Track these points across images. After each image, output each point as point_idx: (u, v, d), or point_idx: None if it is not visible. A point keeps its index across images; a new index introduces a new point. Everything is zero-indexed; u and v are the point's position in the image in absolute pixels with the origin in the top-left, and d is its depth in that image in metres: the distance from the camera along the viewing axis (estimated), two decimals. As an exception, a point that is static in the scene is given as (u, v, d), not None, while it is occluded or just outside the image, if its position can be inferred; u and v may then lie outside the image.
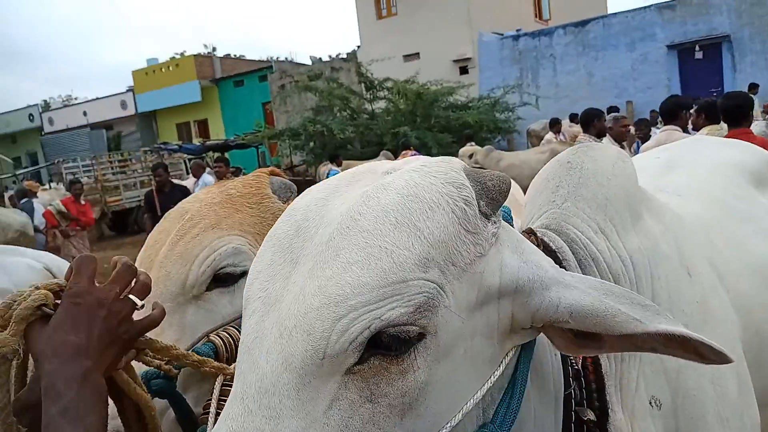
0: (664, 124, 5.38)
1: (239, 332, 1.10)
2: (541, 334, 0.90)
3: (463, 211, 0.81)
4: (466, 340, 0.81)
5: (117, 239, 16.84)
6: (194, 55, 31.28)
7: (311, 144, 17.83)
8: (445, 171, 0.85)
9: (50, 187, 18.20)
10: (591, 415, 1.03)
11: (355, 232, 0.77)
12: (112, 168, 19.71)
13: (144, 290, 0.92)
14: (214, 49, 43.12)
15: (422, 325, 0.75)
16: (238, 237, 1.21)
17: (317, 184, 0.94)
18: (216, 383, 1.04)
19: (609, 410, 1.06)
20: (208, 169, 17.11)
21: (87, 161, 20.16)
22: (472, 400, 0.81)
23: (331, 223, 0.80)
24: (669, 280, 1.24)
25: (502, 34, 21.16)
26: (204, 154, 20.38)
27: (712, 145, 2.18)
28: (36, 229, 9.45)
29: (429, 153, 14.00)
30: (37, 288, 0.84)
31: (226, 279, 1.21)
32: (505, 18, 22.19)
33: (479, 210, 0.83)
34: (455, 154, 10.76)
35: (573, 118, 12.95)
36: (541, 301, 0.84)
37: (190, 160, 20.33)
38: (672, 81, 17.84)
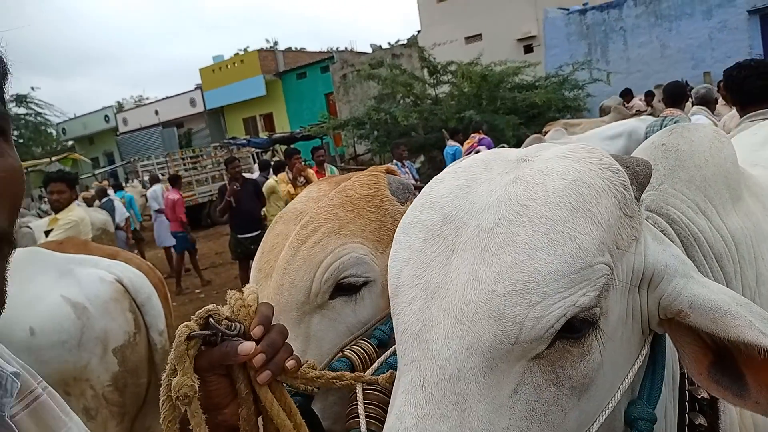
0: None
1: (371, 345, 1.09)
2: None
3: (623, 195, 0.82)
4: (624, 322, 0.83)
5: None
6: (257, 50, 31.89)
7: (375, 132, 17.82)
8: (599, 156, 0.85)
9: (126, 185, 19.04)
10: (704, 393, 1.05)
11: (529, 218, 0.76)
12: (185, 164, 20.38)
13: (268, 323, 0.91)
14: (276, 43, 43.93)
15: (602, 306, 0.77)
16: (360, 246, 1.16)
17: (446, 170, 0.94)
18: (358, 391, 1.01)
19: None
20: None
21: (161, 158, 20.92)
22: (626, 380, 0.83)
23: (488, 210, 0.80)
24: None
25: (567, 9, 20.41)
26: (271, 147, 20.77)
27: None
28: (117, 227, 9.91)
29: (501, 135, 13.72)
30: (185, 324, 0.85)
31: (348, 288, 1.15)
32: (571, -8, 21.39)
33: (633, 194, 0.85)
34: (525, 137, 10.45)
35: (648, 95, 12.38)
36: (666, 287, 0.84)
37: (257, 153, 20.79)
38: (754, 48, 16.70)
